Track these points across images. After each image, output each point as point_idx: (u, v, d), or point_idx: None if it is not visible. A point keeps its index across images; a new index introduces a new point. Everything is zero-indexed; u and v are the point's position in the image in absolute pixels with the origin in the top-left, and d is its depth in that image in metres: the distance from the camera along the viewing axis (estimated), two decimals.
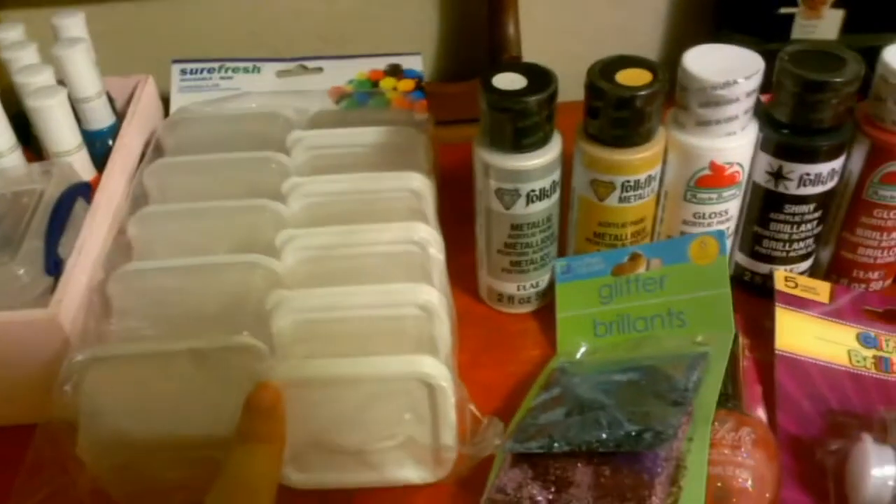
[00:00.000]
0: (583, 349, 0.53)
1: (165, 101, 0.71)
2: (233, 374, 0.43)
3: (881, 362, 0.51)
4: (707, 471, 0.40)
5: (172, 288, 0.49)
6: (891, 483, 0.41)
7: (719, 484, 0.40)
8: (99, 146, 0.63)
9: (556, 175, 0.52)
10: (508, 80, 0.50)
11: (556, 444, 0.42)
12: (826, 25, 0.69)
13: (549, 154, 0.51)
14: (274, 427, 0.40)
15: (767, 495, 0.40)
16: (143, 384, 0.44)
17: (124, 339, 0.47)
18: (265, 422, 0.40)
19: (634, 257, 0.54)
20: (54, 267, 0.50)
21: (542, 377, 0.51)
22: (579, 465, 0.41)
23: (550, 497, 0.41)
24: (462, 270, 0.58)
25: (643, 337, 0.52)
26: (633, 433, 0.40)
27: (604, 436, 0.41)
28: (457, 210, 0.57)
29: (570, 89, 0.55)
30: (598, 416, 0.43)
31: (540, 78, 0.50)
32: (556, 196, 0.54)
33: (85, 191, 0.55)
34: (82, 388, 0.43)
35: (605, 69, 0.50)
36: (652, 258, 0.53)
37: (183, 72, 0.73)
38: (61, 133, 0.58)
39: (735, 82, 0.48)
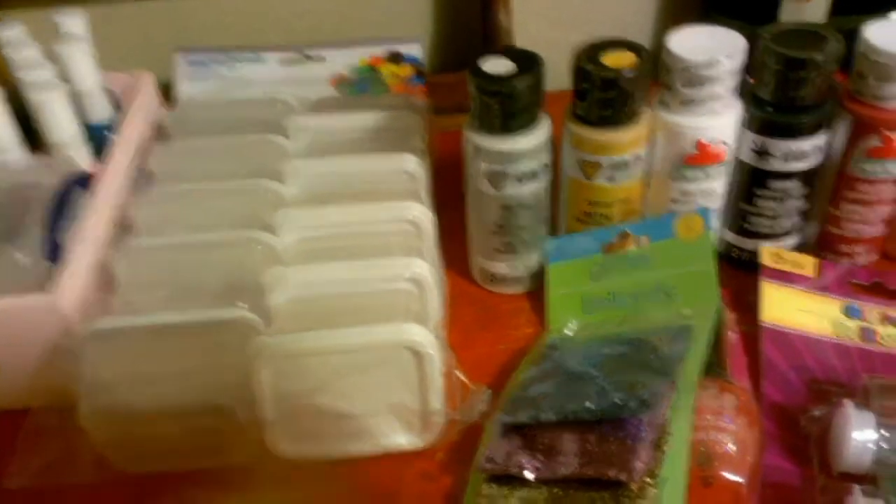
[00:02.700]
0: (573, 325, 0.54)
1: (166, 93, 0.73)
2: (230, 346, 0.45)
3: (865, 333, 0.52)
4: (690, 437, 0.41)
5: (174, 263, 0.51)
6: (871, 446, 0.42)
7: (702, 448, 0.41)
8: (99, 139, 0.64)
9: (544, 157, 0.54)
10: (497, 65, 0.51)
11: (542, 415, 0.43)
12: (813, 8, 0.70)
13: (537, 136, 0.52)
14: None
15: (749, 459, 0.41)
16: (143, 356, 0.46)
17: (126, 312, 0.49)
18: None
19: (623, 235, 0.55)
20: (54, 254, 0.51)
21: (532, 353, 0.52)
22: (566, 433, 0.42)
23: (538, 465, 0.42)
24: (457, 254, 0.60)
25: (632, 312, 0.53)
26: (618, 401, 0.42)
27: (590, 405, 0.42)
28: (453, 195, 0.59)
29: (564, 78, 0.56)
30: (585, 387, 0.44)
31: (527, 62, 0.51)
32: (545, 178, 0.55)
33: (85, 181, 0.56)
34: (84, 359, 0.45)
35: (592, 52, 0.51)
36: (640, 236, 0.55)
37: (188, 61, 0.75)
38: (61, 126, 0.59)
39: (717, 61, 0.49)
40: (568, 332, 0.54)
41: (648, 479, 0.40)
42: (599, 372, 0.45)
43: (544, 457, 0.42)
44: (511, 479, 0.43)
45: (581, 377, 0.45)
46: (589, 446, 0.41)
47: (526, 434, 0.44)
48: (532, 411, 0.44)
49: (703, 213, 0.53)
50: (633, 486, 0.39)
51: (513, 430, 0.44)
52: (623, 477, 0.39)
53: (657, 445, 0.41)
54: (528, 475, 0.42)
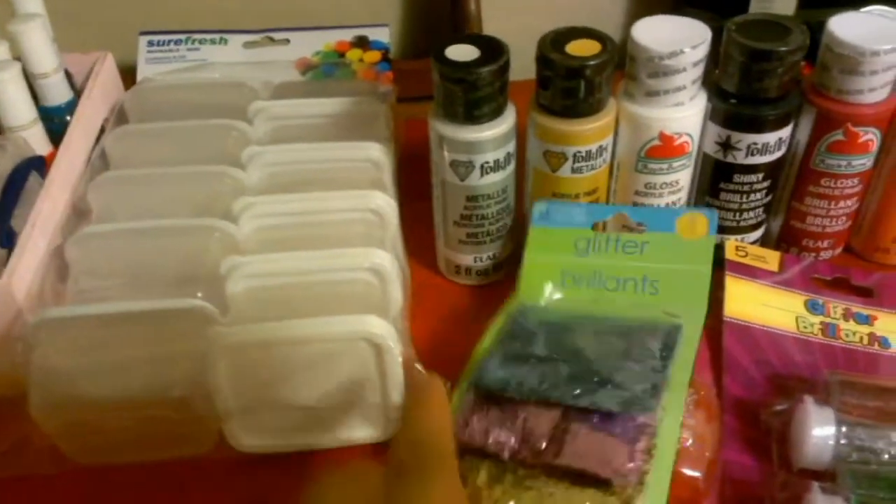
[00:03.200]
0: (547, 296, 0.52)
1: (128, 75, 0.71)
2: (185, 336, 0.44)
3: (827, 328, 0.51)
4: (679, 440, 0.40)
5: (129, 251, 0.50)
6: (831, 443, 0.42)
7: None
8: (57, 122, 0.63)
9: (510, 147, 0.53)
10: (461, 52, 0.51)
11: (523, 389, 0.41)
12: (783, 1, 0.70)
13: (502, 125, 0.52)
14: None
15: (707, 454, 0.41)
16: (96, 345, 0.45)
17: (79, 301, 0.48)
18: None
19: (620, 217, 0.53)
20: (7, 239, 0.50)
21: (500, 318, 0.50)
22: (549, 415, 0.41)
23: (516, 446, 0.40)
24: (422, 245, 0.59)
25: (609, 296, 0.51)
26: (616, 395, 0.40)
27: (580, 392, 0.41)
28: (421, 185, 0.58)
29: (532, 66, 0.55)
30: (568, 369, 0.42)
31: (492, 49, 0.50)
32: (510, 168, 0.54)
33: (39, 165, 0.55)
34: (35, 348, 0.44)
35: (556, 40, 0.51)
36: (637, 221, 0.53)
37: (150, 43, 0.74)
38: (15, 108, 0.58)
39: (681, 52, 0.49)
40: (540, 301, 0.52)
41: (638, 484, 0.39)
42: (585, 354, 0.44)
43: (524, 438, 0.40)
44: (482, 453, 0.41)
45: (561, 356, 0.44)
46: (573, 436, 0.40)
47: (504, 409, 0.42)
48: (509, 382, 0.42)
49: (711, 215, 0.52)
50: (619, 489, 0.38)
51: (487, 401, 0.42)
52: (614, 478, 0.38)
53: (648, 449, 0.40)
54: (506, 455, 0.40)
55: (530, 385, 0.42)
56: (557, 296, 0.52)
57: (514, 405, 0.42)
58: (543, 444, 0.40)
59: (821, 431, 0.43)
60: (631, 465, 0.39)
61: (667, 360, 0.44)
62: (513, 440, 0.40)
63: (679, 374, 0.44)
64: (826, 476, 0.43)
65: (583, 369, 0.43)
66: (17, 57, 0.60)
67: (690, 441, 0.41)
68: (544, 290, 0.52)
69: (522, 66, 0.53)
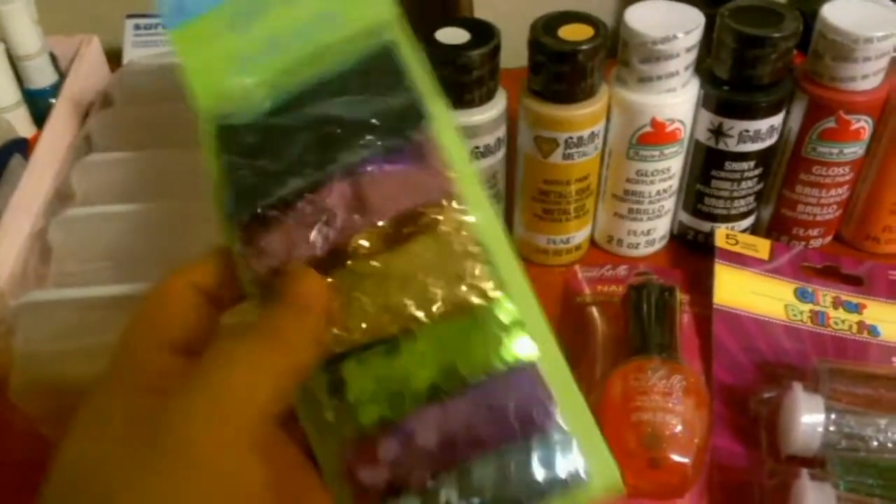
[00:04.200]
0: (234, 92, 0.39)
1: (114, 59, 0.70)
2: None
3: (817, 316, 0.51)
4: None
5: (113, 234, 0.49)
6: (819, 430, 0.42)
7: (650, 430, 0.41)
8: (41, 105, 0.62)
9: (500, 132, 0.52)
10: (451, 35, 0.50)
11: (286, 183, 0.33)
12: None
13: (493, 110, 0.51)
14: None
15: (696, 441, 0.41)
16: (79, 329, 0.44)
17: (62, 284, 0.47)
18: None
19: None
20: None
21: (205, 143, 0.38)
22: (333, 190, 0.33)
23: (321, 236, 0.33)
24: None
25: (303, 57, 0.39)
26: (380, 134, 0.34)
27: (343, 154, 0.34)
28: None
29: (524, 54, 0.55)
30: (312, 135, 0.35)
31: (483, 33, 0.50)
32: (501, 153, 0.54)
33: (22, 147, 0.54)
34: (17, 332, 0.43)
35: (548, 24, 0.50)
36: None
37: (136, 27, 0.73)
38: None
39: (675, 37, 0.48)
40: (234, 103, 0.38)
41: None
42: (320, 119, 0.35)
43: (326, 223, 0.33)
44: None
45: (303, 130, 0.35)
46: (371, 190, 0.33)
47: (283, 217, 0.33)
48: (268, 187, 0.34)
49: None
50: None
51: (261, 223, 0.33)
52: (442, 198, 0.32)
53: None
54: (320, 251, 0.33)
55: (289, 173, 0.34)
56: (242, 91, 0.39)
57: (290, 207, 0.33)
58: (341, 217, 0.33)
59: (810, 419, 0.42)
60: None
61: (405, 80, 0.36)
62: (314, 234, 0.33)
63: (427, 90, 0.35)
64: (814, 463, 0.43)
65: (326, 132, 0.35)
66: (1, 39, 0.60)
67: (679, 427, 0.41)
68: (222, 92, 0.39)
69: (515, 53, 0.52)
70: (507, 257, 0.32)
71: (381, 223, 0.32)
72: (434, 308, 0.31)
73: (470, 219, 0.32)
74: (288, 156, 0.35)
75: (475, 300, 0.31)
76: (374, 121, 0.35)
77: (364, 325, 0.31)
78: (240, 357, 0.27)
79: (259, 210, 0.33)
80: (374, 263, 0.32)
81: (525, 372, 0.30)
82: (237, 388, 0.26)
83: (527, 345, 0.30)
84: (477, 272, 0.32)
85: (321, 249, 0.32)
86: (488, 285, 0.31)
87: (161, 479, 0.24)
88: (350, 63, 0.38)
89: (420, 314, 0.31)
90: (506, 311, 0.31)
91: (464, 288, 0.31)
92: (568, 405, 0.29)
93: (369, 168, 0.33)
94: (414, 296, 0.31)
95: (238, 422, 0.26)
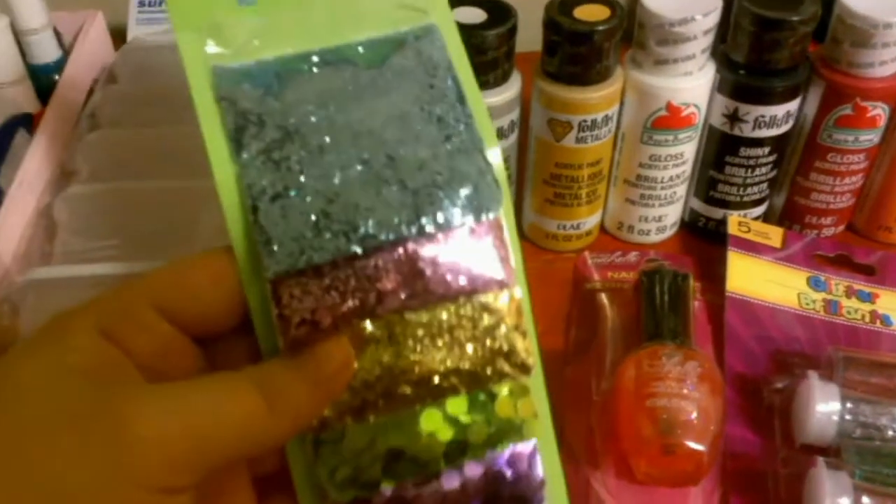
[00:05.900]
0: (224, 40, 0.30)
1: (118, 36, 0.70)
2: None
3: (829, 305, 0.51)
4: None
5: (119, 211, 0.48)
6: (835, 419, 0.42)
7: (665, 416, 0.40)
8: (45, 80, 0.61)
9: (514, 114, 0.52)
10: (468, 14, 0.49)
11: (325, 247, 0.27)
12: None
13: (507, 92, 0.50)
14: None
15: (712, 428, 0.40)
16: None
17: (67, 262, 0.47)
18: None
19: None
20: None
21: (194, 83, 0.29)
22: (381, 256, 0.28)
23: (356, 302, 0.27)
24: None
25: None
26: (451, 200, 0.28)
27: (399, 219, 0.28)
28: None
29: (538, 38, 0.54)
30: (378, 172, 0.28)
31: (500, 12, 0.49)
32: (513, 136, 0.53)
33: (27, 122, 0.53)
34: (22, 310, 0.42)
35: (564, 5, 0.49)
36: None
37: (141, 3, 0.72)
38: (4, 65, 0.56)
39: (692, 19, 0.47)
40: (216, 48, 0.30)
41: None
42: (363, 140, 0.29)
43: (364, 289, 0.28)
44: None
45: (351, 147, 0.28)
46: (426, 265, 0.28)
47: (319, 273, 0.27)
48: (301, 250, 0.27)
49: None
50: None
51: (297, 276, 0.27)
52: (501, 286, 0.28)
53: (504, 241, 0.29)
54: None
55: (326, 237, 0.27)
56: (247, 27, 0.30)
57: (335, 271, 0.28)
58: (391, 287, 0.28)
59: (825, 407, 0.42)
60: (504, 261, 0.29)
61: (464, 107, 0.30)
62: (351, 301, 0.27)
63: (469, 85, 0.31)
64: (829, 452, 0.42)
65: (374, 166, 0.28)
66: (5, 13, 0.59)
67: (695, 414, 0.40)
68: (220, 20, 0.30)
69: (529, 37, 0.52)
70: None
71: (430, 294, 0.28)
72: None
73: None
74: (324, 176, 0.28)
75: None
76: (437, 173, 0.28)
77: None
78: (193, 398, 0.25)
79: (300, 266, 0.27)
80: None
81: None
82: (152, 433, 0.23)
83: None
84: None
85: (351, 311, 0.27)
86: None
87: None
88: (386, 36, 0.31)
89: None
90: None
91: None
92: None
93: (431, 243, 0.28)
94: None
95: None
